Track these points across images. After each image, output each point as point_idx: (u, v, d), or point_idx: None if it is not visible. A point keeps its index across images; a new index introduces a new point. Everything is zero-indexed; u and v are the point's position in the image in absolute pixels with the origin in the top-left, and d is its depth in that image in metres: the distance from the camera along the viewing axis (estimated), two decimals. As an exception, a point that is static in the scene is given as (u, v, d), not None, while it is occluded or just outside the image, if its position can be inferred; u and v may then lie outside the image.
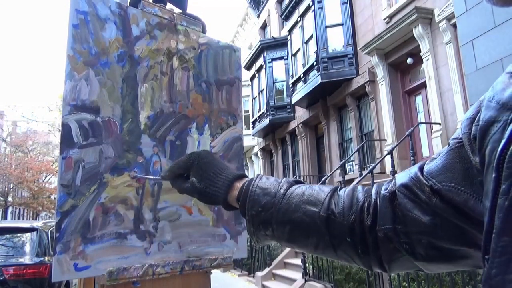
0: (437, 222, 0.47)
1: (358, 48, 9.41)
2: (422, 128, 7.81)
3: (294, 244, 0.63)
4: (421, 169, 0.52)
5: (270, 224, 0.62)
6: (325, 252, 0.60)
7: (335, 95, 10.57)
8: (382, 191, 0.56)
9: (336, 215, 0.58)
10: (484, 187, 0.39)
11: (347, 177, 8.44)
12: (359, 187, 0.61)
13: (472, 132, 0.44)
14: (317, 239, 0.59)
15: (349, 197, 0.59)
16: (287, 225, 0.60)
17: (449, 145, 0.49)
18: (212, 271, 1.34)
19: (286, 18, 12.48)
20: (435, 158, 0.51)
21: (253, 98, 15.65)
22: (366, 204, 0.57)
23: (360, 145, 8.39)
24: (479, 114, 0.44)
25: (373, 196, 0.57)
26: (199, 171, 0.73)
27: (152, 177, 1.17)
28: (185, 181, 0.76)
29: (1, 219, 25.41)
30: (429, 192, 0.48)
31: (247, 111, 16.75)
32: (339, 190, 0.61)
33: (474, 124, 0.44)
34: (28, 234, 4.38)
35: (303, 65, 11.09)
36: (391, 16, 8.40)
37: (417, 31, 7.29)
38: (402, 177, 0.54)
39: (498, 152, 0.36)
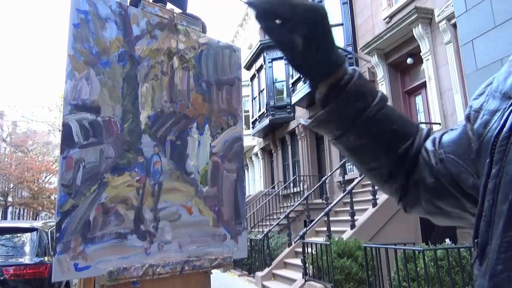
0: (437, 185, 0.52)
1: (358, 48, 9.40)
2: (422, 128, 7.81)
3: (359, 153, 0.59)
4: (441, 135, 0.56)
5: (359, 118, 0.55)
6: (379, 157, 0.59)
7: (335, 95, 10.56)
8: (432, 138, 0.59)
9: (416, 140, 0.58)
10: (481, 171, 0.42)
11: (347, 177, 8.43)
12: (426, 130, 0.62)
13: (471, 117, 0.48)
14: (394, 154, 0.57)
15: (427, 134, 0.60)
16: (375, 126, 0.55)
17: (465, 118, 0.51)
18: (212, 271, 1.34)
19: (286, 18, 12.46)
20: (453, 130, 0.54)
21: (253, 98, 15.65)
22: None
23: (360, 145, 8.38)
24: (482, 101, 0.46)
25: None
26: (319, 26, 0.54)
27: None
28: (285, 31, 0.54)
29: (1, 219, 25.41)
30: (437, 158, 0.53)
31: (247, 111, 16.75)
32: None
33: (473, 110, 0.48)
34: (28, 234, 4.38)
35: (303, 65, 11.07)
36: (391, 16, 8.40)
37: (417, 31, 7.29)
38: (428, 142, 0.57)
39: (492, 138, 0.38)
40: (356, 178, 7.25)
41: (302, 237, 6.18)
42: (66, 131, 1.06)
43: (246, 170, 16.90)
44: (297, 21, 0.51)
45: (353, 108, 0.55)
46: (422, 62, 7.54)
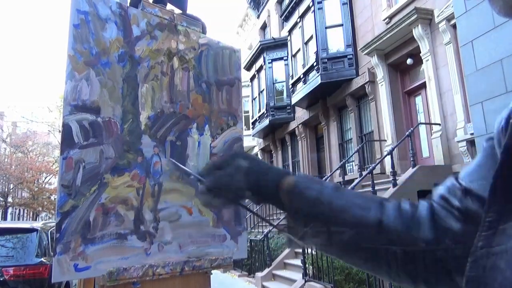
0: (469, 228, 0.43)
1: (358, 49, 9.41)
2: (422, 129, 7.81)
3: (340, 253, 0.58)
4: (456, 176, 0.50)
5: (314, 221, 0.57)
6: (374, 261, 0.54)
7: (335, 95, 10.57)
8: (423, 205, 0.53)
9: (384, 221, 0.53)
10: None
11: (347, 178, 8.43)
12: (403, 201, 0.57)
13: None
14: (364, 246, 0.54)
15: (396, 208, 0.54)
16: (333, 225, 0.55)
17: (483, 147, 0.48)
18: (212, 271, 1.34)
19: (286, 18, 12.48)
20: (471, 163, 0.49)
21: (253, 99, 15.65)
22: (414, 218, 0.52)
23: (360, 146, 8.39)
24: None
25: (423, 211, 0.53)
26: (244, 155, 0.67)
27: (188, 170, 1.00)
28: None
29: (1, 220, 25.39)
30: (460, 194, 0.46)
31: (247, 112, 16.75)
32: (386, 202, 0.57)
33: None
34: (28, 235, 4.38)
35: (303, 66, 11.09)
36: (391, 17, 8.41)
37: (417, 31, 7.29)
38: (440, 189, 0.51)
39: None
40: (356, 178, 7.25)
41: (302, 237, 6.16)
42: (66, 131, 1.06)
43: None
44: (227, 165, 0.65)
45: (305, 199, 0.58)
46: (422, 63, 7.54)
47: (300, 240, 0.61)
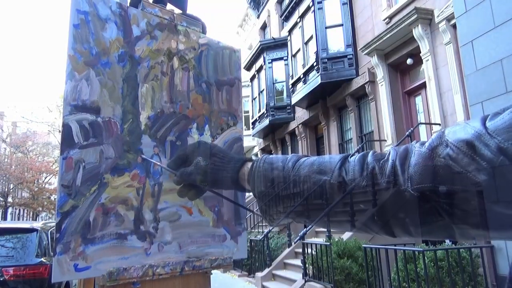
0: (495, 183, 0.42)
1: (358, 49, 9.41)
2: (422, 129, 7.81)
3: (309, 217, 0.61)
4: (484, 124, 0.46)
5: (280, 198, 0.60)
6: (342, 223, 0.58)
7: (335, 95, 10.57)
8: (418, 148, 0.51)
9: (347, 181, 0.55)
10: None
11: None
12: (370, 152, 0.58)
13: None
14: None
15: (360, 162, 0.56)
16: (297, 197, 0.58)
17: None
18: (212, 271, 1.34)
19: (286, 18, 12.48)
20: (499, 114, 0.45)
21: (253, 99, 15.65)
22: (378, 166, 0.54)
23: (360, 146, 8.39)
24: None
25: (391, 157, 0.53)
26: (205, 151, 0.73)
27: (158, 163, 1.16)
28: (188, 167, 0.75)
29: (1, 220, 25.39)
30: (495, 149, 0.43)
31: (247, 112, 16.74)
32: (350, 157, 0.58)
33: None
34: (28, 235, 4.37)
35: (303, 66, 11.09)
36: (391, 17, 8.41)
37: (417, 31, 7.29)
38: (459, 132, 0.48)
39: None
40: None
41: (302, 237, 6.18)
42: (66, 131, 1.06)
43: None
44: (194, 156, 0.75)
45: (265, 186, 0.63)
46: (422, 63, 7.54)
47: (275, 216, 0.65)
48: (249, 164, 0.68)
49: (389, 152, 0.55)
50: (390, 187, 0.52)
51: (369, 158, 0.56)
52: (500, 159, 0.42)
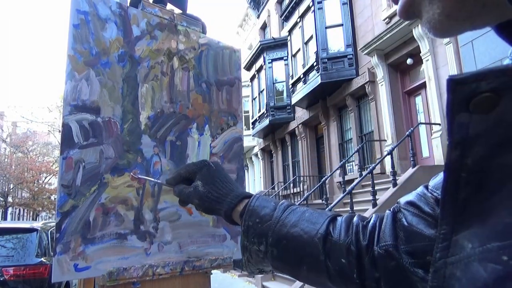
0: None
1: (358, 49, 9.41)
2: (422, 129, 7.82)
3: (286, 265, 0.61)
4: (426, 186, 0.53)
5: (265, 236, 0.61)
6: (319, 275, 0.58)
7: (335, 95, 10.57)
8: (386, 212, 0.57)
9: (333, 235, 0.58)
10: None
11: (347, 178, 8.44)
12: (357, 214, 0.62)
13: None
14: (312, 259, 0.57)
15: (346, 221, 0.59)
16: (283, 240, 0.59)
17: None
18: (212, 271, 1.34)
19: (286, 18, 12.48)
20: (440, 174, 0.51)
21: (253, 99, 15.66)
22: (361, 225, 0.58)
23: (360, 146, 8.39)
24: None
25: (373, 219, 0.58)
26: (207, 176, 0.73)
27: (153, 179, 1.16)
28: (188, 186, 0.76)
29: (1, 220, 25.39)
30: (433, 203, 0.49)
31: (247, 112, 16.75)
32: (339, 216, 0.61)
33: None
34: (28, 235, 4.38)
35: (303, 66, 11.09)
36: (391, 17, 8.41)
37: (417, 31, 7.29)
38: (408, 197, 0.55)
39: None
40: (356, 178, 7.25)
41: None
42: (66, 131, 1.06)
43: (246, 171, 16.89)
44: (197, 176, 0.75)
45: (256, 220, 0.63)
46: (422, 63, 7.55)
47: (256, 259, 0.65)
48: (243, 205, 0.67)
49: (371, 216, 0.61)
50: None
51: (355, 218, 0.60)
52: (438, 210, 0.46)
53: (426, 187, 0.53)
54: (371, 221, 0.58)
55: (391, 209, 0.56)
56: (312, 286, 0.61)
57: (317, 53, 10.06)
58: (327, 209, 6.32)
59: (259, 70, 14.65)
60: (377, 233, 0.55)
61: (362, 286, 0.55)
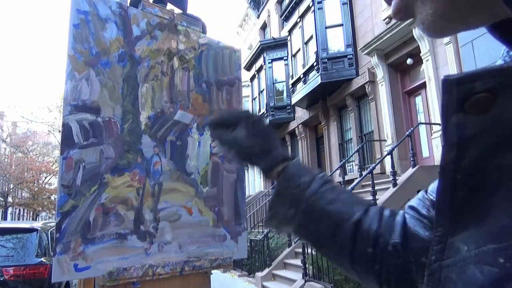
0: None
1: (358, 49, 9.41)
2: (422, 129, 7.81)
3: (310, 237, 0.61)
4: (426, 190, 0.54)
5: (298, 203, 0.60)
6: (341, 256, 0.58)
7: (335, 95, 10.57)
8: (400, 211, 0.58)
9: (365, 224, 0.57)
10: None
11: (347, 178, 8.43)
12: (388, 208, 0.62)
13: None
14: (339, 240, 0.57)
15: (379, 213, 0.59)
16: (315, 213, 0.59)
17: None
18: (212, 271, 1.34)
19: (286, 18, 12.48)
20: None
21: (253, 99, 15.65)
22: (390, 220, 0.58)
23: (360, 146, 8.39)
24: None
25: (400, 215, 0.58)
26: (250, 127, 0.68)
27: (191, 115, 1.09)
28: (228, 132, 0.70)
29: (1, 220, 25.39)
30: (429, 205, 0.50)
31: (247, 112, 16.71)
32: (372, 206, 0.61)
33: None
34: (28, 235, 4.38)
35: (303, 66, 11.09)
36: (391, 17, 8.40)
37: (417, 31, 7.29)
38: (411, 201, 0.56)
39: None
40: (356, 178, 7.25)
41: (302, 237, 6.16)
42: (66, 131, 1.06)
43: (246, 171, 16.87)
44: (240, 125, 0.68)
45: (292, 185, 0.62)
46: (422, 63, 7.54)
47: (281, 219, 0.64)
48: (283, 166, 0.65)
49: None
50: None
51: (386, 211, 0.60)
52: (432, 212, 0.49)
53: (426, 191, 0.54)
54: (397, 217, 0.57)
55: (402, 213, 0.57)
56: (329, 261, 0.61)
57: (317, 53, 10.06)
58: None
59: (259, 70, 14.65)
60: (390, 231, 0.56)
61: (379, 276, 0.55)
